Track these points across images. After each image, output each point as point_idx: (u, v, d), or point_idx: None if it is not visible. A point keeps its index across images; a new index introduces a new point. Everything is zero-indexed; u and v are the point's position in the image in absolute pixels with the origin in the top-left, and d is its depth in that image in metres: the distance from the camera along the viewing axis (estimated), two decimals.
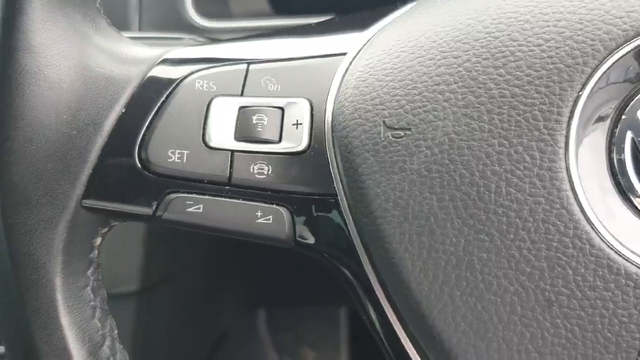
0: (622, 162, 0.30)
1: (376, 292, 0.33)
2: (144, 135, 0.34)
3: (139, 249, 0.59)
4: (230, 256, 0.69)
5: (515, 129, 0.30)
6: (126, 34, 0.37)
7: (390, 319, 0.32)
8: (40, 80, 0.32)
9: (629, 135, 0.30)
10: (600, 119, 0.31)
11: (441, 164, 0.31)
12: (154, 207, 0.34)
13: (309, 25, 0.39)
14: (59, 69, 0.33)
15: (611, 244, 0.29)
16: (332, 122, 0.33)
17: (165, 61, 0.35)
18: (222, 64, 0.35)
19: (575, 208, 0.29)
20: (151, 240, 0.59)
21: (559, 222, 0.30)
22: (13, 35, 0.32)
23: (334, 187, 0.33)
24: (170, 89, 0.34)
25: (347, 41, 0.36)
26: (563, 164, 0.30)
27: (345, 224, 0.33)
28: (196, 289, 0.69)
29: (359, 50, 0.35)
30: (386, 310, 0.33)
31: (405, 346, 0.32)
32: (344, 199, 0.33)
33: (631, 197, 0.30)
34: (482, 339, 0.30)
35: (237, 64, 0.35)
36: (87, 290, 0.34)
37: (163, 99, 0.34)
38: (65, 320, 0.33)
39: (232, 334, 0.75)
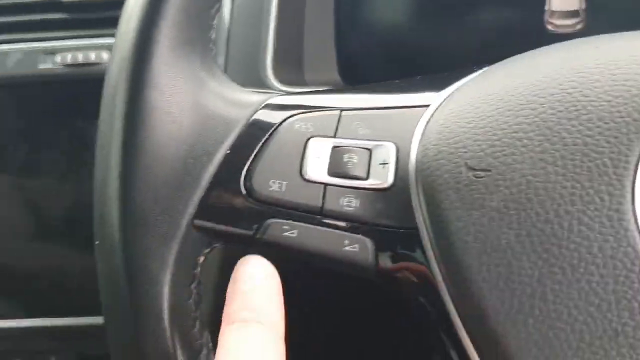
0: None
1: (452, 320, 0.35)
2: (249, 166, 0.38)
3: (210, 296, 0.62)
4: (300, 309, 0.71)
5: (587, 174, 0.34)
6: None
7: (466, 347, 0.35)
8: (163, 115, 0.37)
9: None
10: None
11: (519, 202, 0.34)
12: (254, 230, 0.38)
13: (393, 82, 0.43)
14: (180, 106, 0.38)
15: None
16: (416, 163, 0.37)
17: (268, 105, 0.40)
18: (317, 109, 0.40)
19: None
20: (223, 288, 0.62)
21: (625, 259, 0.33)
22: (143, 74, 0.37)
23: (416, 221, 0.36)
24: (273, 128, 0.39)
25: (429, 95, 0.40)
26: (630, 207, 0.33)
27: (426, 257, 0.36)
28: None
29: (441, 103, 0.39)
30: (461, 338, 0.35)
31: None
32: (426, 232, 0.36)
33: None
34: None
35: (331, 110, 0.40)
36: (190, 302, 0.38)
37: (267, 136, 0.39)
38: (170, 327, 0.36)
39: None
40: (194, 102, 0.38)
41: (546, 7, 0.71)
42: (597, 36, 0.39)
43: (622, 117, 0.34)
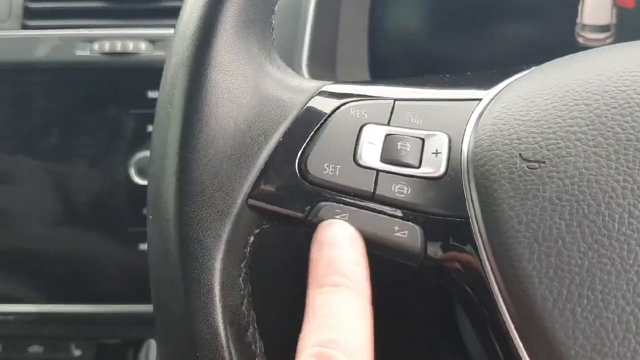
0: None
1: (499, 309, 0.36)
2: (304, 149, 0.39)
3: None
4: None
5: (639, 168, 0.34)
6: None
7: (512, 336, 0.36)
8: (225, 93, 0.38)
9: None
10: None
11: (571, 194, 0.35)
12: (306, 212, 0.38)
13: (444, 76, 0.44)
14: (241, 86, 0.38)
15: None
16: (469, 153, 0.38)
17: (323, 92, 0.41)
18: (372, 98, 0.41)
19: None
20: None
21: None
22: (208, 53, 0.38)
23: (467, 210, 0.37)
24: (329, 113, 0.40)
25: (479, 90, 0.41)
26: None
27: (475, 246, 0.37)
28: (279, 336, 0.71)
29: (494, 96, 0.40)
30: (508, 327, 0.36)
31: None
32: (476, 221, 0.37)
33: None
34: (598, 352, 0.33)
35: (385, 99, 0.41)
36: (239, 279, 0.38)
37: (322, 121, 0.39)
38: (220, 302, 0.37)
39: None
40: (254, 84, 0.39)
41: (578, 21, 0.72)
42: None
43: None
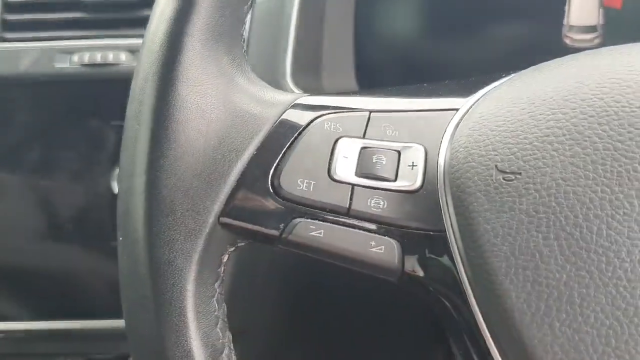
0: None
1: (477, 323, 0.35)
2: (277, 164, 0.38)
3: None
4: (308, 315, 0.71)
5: (617, 179, 0.33)
6: None
7: (491, 352, 0.35)
8: (193, 109, 0.37)
9: None
10: None
11: (548, 206, 0.34)
12: (280, 229, 0.37)
13: (421, 85, 0.43)
14: (210, 101, 0.38)
15: None
16: (445, 165, 0.37)
17: (297, 105, 0.40)
18: (347, 110, 0.40)
19: None
20: (234, 291, 0.62)
21: None
22: (175, 68, 0.37)
23: (444, 224, 0.36)
24: (302, 127, 0.39)
25: (457, 99, 0.40)
26: None
27: (452, 259, 0.36)
28: (269, 344, 0.71)
29: (471, 106, 0.39)
30: (486, 341, 0.35)
31: None
32: (453, 235, 0.36)
33: None
34: None
35: (360, 111, 0.40)
36: (213, 300, 0.37)
37: (295, 135, 0.39)
38: (193, 324, 0.36)
39: None
40: (224, 98, 0.38)
41: (564, 22, 0.71)
42: (628, 44, 0.39)
43: None
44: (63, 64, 0.74)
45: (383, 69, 0.76)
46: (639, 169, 0.33)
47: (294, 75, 0.67)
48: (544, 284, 0.33)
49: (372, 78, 0.73)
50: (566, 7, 0.71)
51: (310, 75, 0.70)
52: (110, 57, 0.72)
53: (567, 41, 0.71)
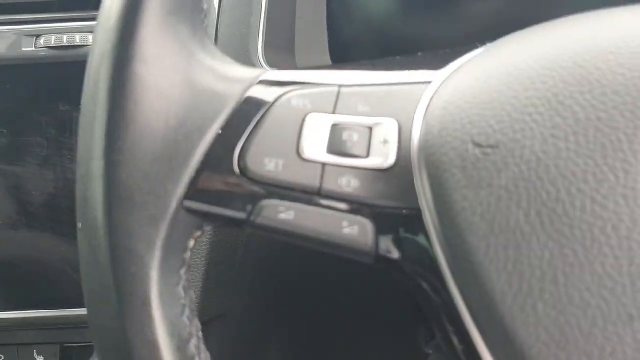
0: None
1: (456, 305, 0.34)
2: (243, 144, 0.36)
3: (198, 284, 0.60)
4: (287, 297, 0.70)
5: (600, 150, 0.32)
6: None
7: (471, 334, 0.33)
8: (151, 88, 0.35)
9: None
10: None
11: (528, 180, 0.32)
12: (248, 212, 0.36)
13: (393, 58, 0.41)
14: (169, 80, 0.35)
15: None
16: (419, 141, 0.35)
17: (263, 81, 0.38)
18: (315, 85, 0.38)
19: None
20: (211, 275, 0.61)
21: None
22: (130, 45, 0.35)
23: (419, 202, 0.35)
24: (269, 104, 0.37)
25: (431, 71, 0.38)
26: None
27: (428, 239, 0.34)
28: (249, 327, 0.70)
29: (445, 78, 0.37)
30: (466, 324, 0.33)
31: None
32: (429, 213, 0.34)
33: None
34: (562, 350, 0.31)
35: (329, 86, 0.38)
36: (178, 287, 0.36)
37: (262, 112, 0.37)
38: (157, 313, 0.34)
39: None
40: (184, 75, 0.36)
41: None
42: (610, 9, 0.37)
43: (638, 90, 0.32)
44: (29, 47, 0.72)
45: (358, 45, 0.74)
46: (623, 139, 0.32)
47: (266, 52, 0.65)
48: (526, 263, 0.32)
49: (346, 54, 0.72)
50: None
51: (283, 52, 0.68)
52: (77, 38, 0.70)
53: None
